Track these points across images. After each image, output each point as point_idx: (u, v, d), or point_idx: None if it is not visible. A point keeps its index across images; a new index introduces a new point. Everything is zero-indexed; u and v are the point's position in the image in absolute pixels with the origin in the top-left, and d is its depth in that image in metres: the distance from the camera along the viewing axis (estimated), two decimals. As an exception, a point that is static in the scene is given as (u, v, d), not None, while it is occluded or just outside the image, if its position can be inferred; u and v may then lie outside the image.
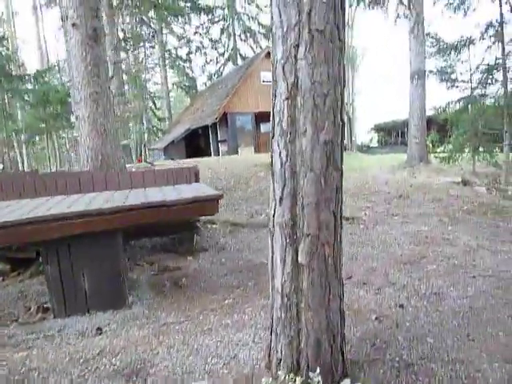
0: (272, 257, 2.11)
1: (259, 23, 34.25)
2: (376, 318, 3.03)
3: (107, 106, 5.04)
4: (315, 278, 1.96)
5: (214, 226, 5.67)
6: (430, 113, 12.10)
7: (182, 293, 3.69)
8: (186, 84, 36.95)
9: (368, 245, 4.69)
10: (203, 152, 24.89)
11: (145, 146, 27.89)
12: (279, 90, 1.94)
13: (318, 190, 1.89)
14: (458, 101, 9.29)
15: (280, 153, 1.96)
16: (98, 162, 4.99)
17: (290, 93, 1.88)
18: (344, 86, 1.93)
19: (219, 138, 21.69)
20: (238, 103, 20.31)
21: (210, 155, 22.99)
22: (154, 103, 28.21)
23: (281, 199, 1.98)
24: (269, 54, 20.62)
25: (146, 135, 27.37)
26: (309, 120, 1.85)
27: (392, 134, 30.29)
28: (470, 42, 7.64)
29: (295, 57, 1.85)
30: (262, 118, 22.41)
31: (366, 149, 32.59)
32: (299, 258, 1.96)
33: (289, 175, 1.93)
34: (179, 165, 9.87)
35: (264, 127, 24.54)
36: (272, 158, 2.04)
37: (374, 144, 33.20)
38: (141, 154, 25.39)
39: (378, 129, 31.94)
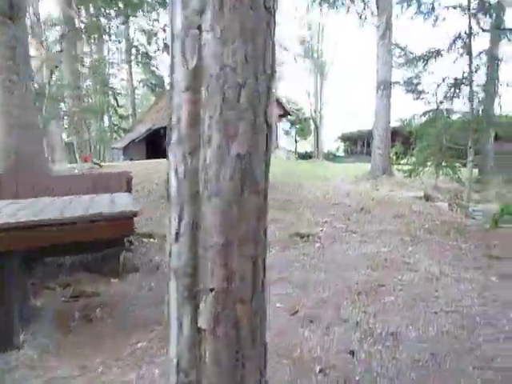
0: (168, 313, 1.50)
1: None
2: (320, 371, 2.48)
3: (26, 97, 4.27)
4: (221, 350, 1.36)
5: (152, 240, 4.99)
6: (395, 124, 11.92)
7: (92, 329, 3.00)
8: (153, 82, 35.84)
9: (321, 269, 4.16)
10: (164, 154, 23.96)
11: (103, 145, 26.63)
12: (177, 77, 1.33)
13: (228, 223, 1.30)
14: (424, 114, 9.05)
15: (176, 168, 1.35)
16: (10, 161, 4.20)
17: (190, 81, 1.28)
18: (273, 75, 1.36)
19: (182, 140, 20.86)
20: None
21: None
22: (116, 100, 26.96)
23: (177, 234, 1.38)
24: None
25: (107, 133, 26.10)
26: (215, 122, 1.26)
27: (358, 144, 30.47)
28: (438, 53, 7.38)
29: (199, 28, 1.26)
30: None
31: (332, 157, 32.65)
32: (199, 322, 1.36)
33: (188, 201, 1.33)
34: (120, 169, 9.09)
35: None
36: (167, 174, 1.43)
37: (341, 153, 33.33)
38: (90, 153, 24.14)
39: (345, 138, 32.09)
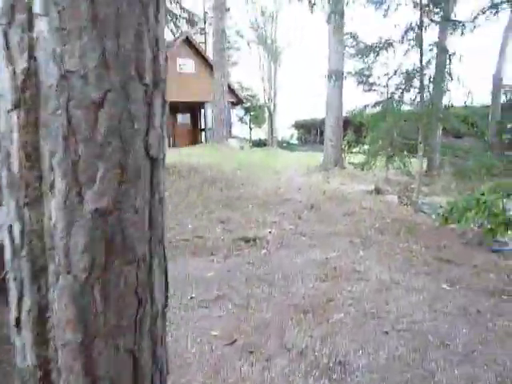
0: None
1: (181, 7, 32.34)
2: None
3: None
4: None
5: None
6: (347, 113, 11.78)
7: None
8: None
9: (266, 282, 3.80)
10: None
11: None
12: (2, 86, 0.85)
13: (86, 313, 0.86)
14: (375, 105, 8.92)
15: (11, 227, 0.88)
16: None
17: (20, 94, 0.81)
18: (157, 85, 0.92)
19: (130, 128, 19.82)
20: (151, 90, 18.63)
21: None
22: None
23: (18, 325, 0.92)
24: (187, 39, 19.22)
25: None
26: (57, 160, 0.80)
27: (311, 132, 30.55)
28: (389, 44, 7.18)
29: (29, 11, 0.78)
30: (177, 108, 20.97)
31: (286, 145, 32.55)
32: None
33: (29, 278, 0.87)
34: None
35: (182, 118, 23.11)
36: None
37: (294, 141, 33.31)
38: None
39: (298, 126, 32.07)
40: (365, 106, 9.26)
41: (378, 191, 8.88)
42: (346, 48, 9.55)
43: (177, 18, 32.90)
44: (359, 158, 10.98)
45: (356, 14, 13.15)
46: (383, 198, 8.22)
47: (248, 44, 30.27)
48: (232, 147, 16.19)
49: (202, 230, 5.34)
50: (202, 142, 22.13)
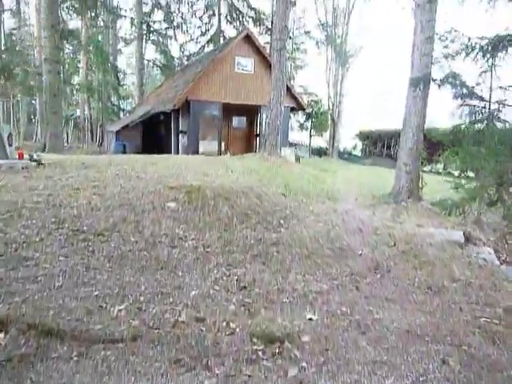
0: None
1: (248, 5, 31.06)
2: None
3: None
4: None
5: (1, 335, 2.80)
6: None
7: None
8: (162, 62, 33.54)
9: None
10: (162, 141, 21.82)
11: (101, 126, 24.55)
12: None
13: None
14: (473, 123, 6.65)
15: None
16: None
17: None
18: None
19: (180, 128, 18.66)
20: (204, 90, 17.31)
21: (170, 146, 20.02)
22: (118, 78, 24.79)
23: None
24: (248, 36, 17.67)
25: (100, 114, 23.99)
26: None
27: (377, 144, 27.81)
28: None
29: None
30: (233, 110, 19.50)
31: (347, 156, 30.10)
32: None
33: None
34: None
35: (237, 121, 21.66)
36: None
37: (357, 152, 30.70)
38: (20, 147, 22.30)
39: (363, 136, 29.44)
40: (457, 127, 7.00)
41: (467, 238, 6.60)
42: (438, 46, 7.34)
43: (243, 17, 31.76)
44: (438, 189, 8.68)
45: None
46: (477, 254, 5.94)
47: (317, 44, 28.16)
48: (285, 159, 14.30)
49: (208, 305, 3.55)
50: (255, 149, 20.53)
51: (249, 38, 17.72)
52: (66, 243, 4.17)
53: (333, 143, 29.38)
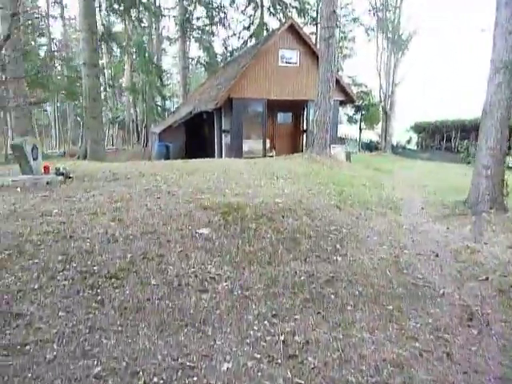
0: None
1: (292, -5, 29.73)
2: None
3: None
4: None
5: None
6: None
7: None
8: (206, 60, 33.07)
9: None
10: (206, 141, 21.21)
11: (146, 127, 24.40)
12: None
13: None
14: None
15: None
16: None
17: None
18: None
19: (223, 127, 17.90)
20: (247, 87, 16.38)
21: (214, 146, 19.35)
22: (161, 79, 24.51)
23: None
24: (292, 27, 16.48)
25: (144, 115, 23.80)
26: None
27: (435, 137, 25.59)
28: None
29: None
30: (278, 105, 18.45)
31: (401, 150, 28.07)
32: None
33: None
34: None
35: (282, 117, 20.59)
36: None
37: (412, 146, 28.53)
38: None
39: (419, 128, 27.24)
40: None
41: None
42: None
43: (287, 8, 30.45)
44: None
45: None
46: None
47: (366, 31, 26.33)
48: (335, 158, 13.06)
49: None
50: (302, 146, 19.36)
51: (293, 29, 16.52)
52: (71, 291, 3.36)
53: (385, 137, 27.49)
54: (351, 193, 7.92)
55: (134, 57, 23.92)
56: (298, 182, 8.02)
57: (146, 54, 22.88)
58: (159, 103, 26.00)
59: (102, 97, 41.08)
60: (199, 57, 34.51)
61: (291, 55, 17.06)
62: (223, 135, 17.90)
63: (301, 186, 7.61)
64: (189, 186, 6.46)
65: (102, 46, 23.79)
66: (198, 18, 31.69)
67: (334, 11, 11.95)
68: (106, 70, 36.20)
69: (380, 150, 28.02)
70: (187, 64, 30.33)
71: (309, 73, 16.81)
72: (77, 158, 14.50)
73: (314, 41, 20.83)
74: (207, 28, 31.45)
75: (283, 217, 5.18)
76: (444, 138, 24.72)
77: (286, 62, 17.05)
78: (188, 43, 36.74)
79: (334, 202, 6.71)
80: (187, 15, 30.27)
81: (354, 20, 29.51)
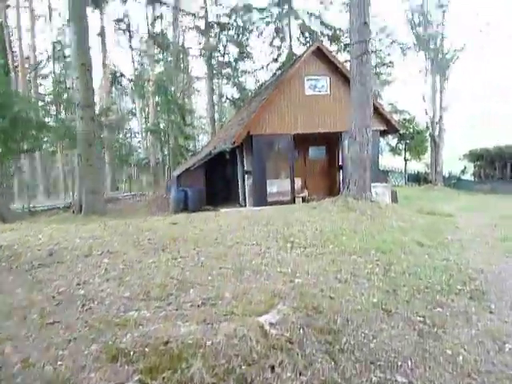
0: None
1: (322, 22, 28.01)
2: None
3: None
4: None
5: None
6: None
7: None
8: (234, 96, 31.75)
9: None
10: (229, 184, 19.09)
11: (169, 170, 22.76)
12: None
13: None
14: None
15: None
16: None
17: None
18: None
19: (245, 168, 15.75)
20: (269, 121, 14.20)
21: (237, 189, 17.19)
22: (183, 117, 23.05)
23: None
24: (319, 50, 14.33)
25: (168, 157, 22.24)
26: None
27: (496, 165, 22.08)
28: None
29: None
30: (308, 139, 16.13)
31: (454, 182, 24.63)
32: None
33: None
34: None
35: (314, 152, 18.19)
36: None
37: (467, 176, 24.99)
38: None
39: (475, 156, 23.77)
40: None
41: None
42: None
43: (317, 36, 28.67)
44: None
45: None
46: None
47: (403, 51, 23.77)
48: (378, 202, 10.30)
49: None
50: (339, 184, 16.73)
51: (320, 52, 14.34)
52: None
53: (435, 167, 24.22)
54: (404, 267, 5.24)
55: (156, 97, 22.74)
56: (323, 253, 5.44)
57: (168, 94, 21.53)
58: (182, 143, 24.47)
59: (137, 141, 40.94)
60: (225, 93, 33.36)
61: (320, 82, 14.82)
62: (246, 177, 15.71)
63: (325, 262, 5.04)
64: (134, 285, 4.05)
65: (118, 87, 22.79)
66: (223, 55, 30.64)
67: (366, 22, 9.65)
68: (138, 114, 35.89)
69: (430, 182, 24.72)
70: (213, 101, 28.94)
71: (341, 101, 14.44)
72: (72, 212, 12.75)
73: (348, 67, 18.62)
74: (234, 64, 30.25)
75: (273, 369, 2.62)
76: (507, 166, 21.18)
77: (314, 91, 14.81)
78: (218, 80, 35.88)
79: (377, 298, 4.06)
80: (213, 52, 29.30)
81: (387, 36, 26.85)
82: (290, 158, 14.82)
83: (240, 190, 16.93)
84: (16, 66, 20.56)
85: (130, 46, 20.05)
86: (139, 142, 34.31)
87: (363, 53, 9.67)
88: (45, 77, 21.37)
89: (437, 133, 24.01)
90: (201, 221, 7.63)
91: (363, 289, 4.27)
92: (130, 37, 23.63)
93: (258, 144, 14.08)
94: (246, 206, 15.75)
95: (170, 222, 7.35)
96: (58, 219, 11.85)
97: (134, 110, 39.55)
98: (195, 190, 17.35)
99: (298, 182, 16.56)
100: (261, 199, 14.36)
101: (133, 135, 41.14)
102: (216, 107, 41.40)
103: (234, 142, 13.65)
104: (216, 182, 18.88)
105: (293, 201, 14.83)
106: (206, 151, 18.79)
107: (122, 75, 20.49)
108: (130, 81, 21.21)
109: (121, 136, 31.78)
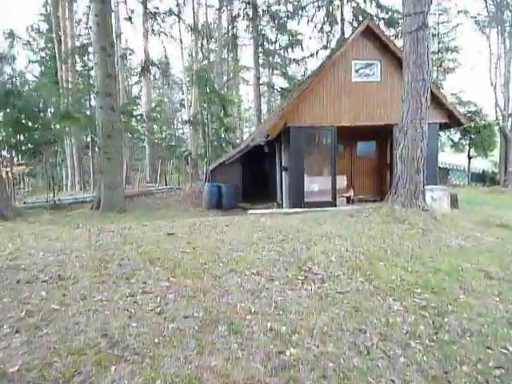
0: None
1: (378, 4, 25.54)
2: None
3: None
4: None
5: None
6: None
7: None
8: (281, 86, 30.19)
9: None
10: (268, 179, 17.72)
11: (208, 163, 21.78)
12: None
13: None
14: None
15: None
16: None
17: None
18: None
19: (283, 164, 14.28)
20: (309, 111, 12.59)
21: (275, 185, 15.83)
22: (224, 108, 21.88)
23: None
24: (369, 29, 12.46)
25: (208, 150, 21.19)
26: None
27: None
28: None
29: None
30: (356, 133, 14.35)
31: (530, 183, 21.45)
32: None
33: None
34: None
35: (363, 147, 16.31)
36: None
37: (545, 177, 21.70)
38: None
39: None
40: None
41: None
42: None
43: (372, 19, 26.21)
44: None
45: None
46: None
47: (480, 27, 20.83)
48: (432, 212, 8.41)
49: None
50: (390, 185, 14.76)
51: (370, 32, 12.43)
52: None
53: (505, 166, 21.24)
54: (463, 321, 3.60)
55: (197, 87, 21.77)
56: (345, 293, 3.91)
57: (208, 83, 20.47)
58: (222, 135, 23.33)
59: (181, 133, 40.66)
60: (273, 83, 31.88)
61: (369, 68, 12.94)
62: (283, 173, 14.25)
63: (344, 310, 3.51)
64: (43, 346, 2.79)
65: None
66: (273, 42, 29.07)
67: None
68: (186, 105, 35.43)
69: (498, 183, 21.75)
70: (259, 91, 27.54)
71: (395, 89, 12.48)
72: (91, 208, 12.02)
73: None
74: (282, 52, 28.63)
75: None
76: None
77: (363, 77, 12.96)
78: (266, 69, 34.48)
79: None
80: (260, 41, 27.85)
81: (459, 12, 23.62)
82: (332, 154, 13.13)
83: (278, 188, 15.51)
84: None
85: (166, 33, 19.26)
86: (183, 133, 33.85)
87: (420, 27, 7.81)
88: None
89: (509, 127, 20.97)
90: (204, 231, 6.33)
91: (396, 370, 2.74)
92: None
93: (295, 137, 12.55)
94: (282, 204, 14.33)
95: (166, 232, 6.12)
96: (72, 215, 11.15)
97: (183, 102, 39.29)
98: (230, 186, 16.18)
99: (343, 181, 14.83)
100: (298, 199, 12.86)
101: (179, 127, 40.97)
102: (265, 98, 40.12)
103: (268, 135, 12.22)
104: (254, 177, 17.61)
105: (334, 201, 13.19)
106: (245, 144, 17.53)
107: (153, 63, 19.69)
108: (160, 69, 20.41)
109: (164, 128, 31.39)
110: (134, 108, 21.27)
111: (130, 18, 19.83)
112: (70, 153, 21.59)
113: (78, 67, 21.73)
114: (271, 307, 3.41)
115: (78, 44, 21.06)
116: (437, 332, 3.33)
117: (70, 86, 18.29)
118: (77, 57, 19.13)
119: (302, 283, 4.03)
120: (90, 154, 18.40)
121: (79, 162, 21.26)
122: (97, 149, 12.80)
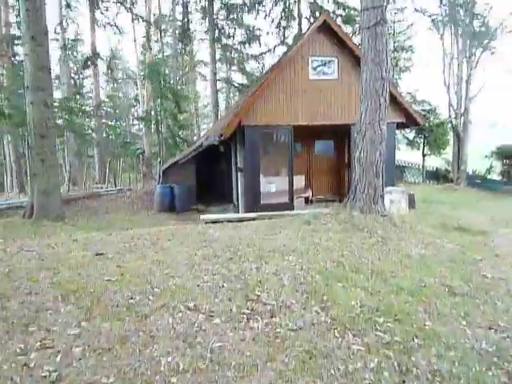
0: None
1: (336, 1, 25.37)
2: None
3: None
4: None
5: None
6: None
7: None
8: (240, 82, 29.49)
9: None
10: (223, 179, 17.02)
11: (161, 163, 20.69)
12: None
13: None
14: None
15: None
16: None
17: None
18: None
19: (238, 164, 13.62)
20: (265, 110, 11.98)
21: (231, 186, 15.16)
22: (178, 105, 20.84)
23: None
24: (326, 24, 12.01)
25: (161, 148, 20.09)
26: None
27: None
28: None
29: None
30: (313, 132, 13.94)
31: (479, 182, 22.10)
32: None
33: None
34: None
35: (321, 147, 15.96)
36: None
37: (493, 176, 22.43)
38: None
39: (504, 154, 21.17)
40: None
41: None
42: None
43: (328, 15, 26.04)
44: None
45: None
46: None
47: (435, 24, 20.94)
48: (391, 216, 8.04)
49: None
50: (348, 185, 14.48)
51: (327, 27, 11.99)
52: None
53: (458, 165, 21.71)
54: (432, 359, 3.10)
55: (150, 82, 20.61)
56: (297, 331, 3.29)
57: (160, 78, 19.39)
58: (176, 133, 22.27)
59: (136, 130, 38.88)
60: (231, 79, 31.12)
61: (327, 65, 12.52)
62: (239, 174, 13.59)
63: (291, 360, 2.88)
64: None
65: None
66: (230, 36, 28.22)
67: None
68: (140, 100, 33.84)
69: (451, 181, 22.23)
70: (216, 87, 26.67)
71: (352, 88, 12.14)
72: (23, 216, 10.81)
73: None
74: (239, 47, 27.88)
75: None
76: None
77: (320, 75, 12.52)
78: (224, 65, 33.62)
79: None
80: (217, 35, 26.94)
81: (416, 11, 23.63)
82: (289, 154, 12.61)
83: (234, 189, 14.84)
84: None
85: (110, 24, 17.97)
86: (140, 130, 32.38)
87: (378, 21, 7.37)
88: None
89: (461, 126, 21.44)
90: (142, 248, 5.54)
91: None
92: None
93: (251, 136, 11.91)
94: (239, 206, 13.67)
95: (95, 252, 5.26)
96: (-1, 224, 9.90)
97: (137, 97, 37.56)
98: (183, 187, 15.32)
99: (301, 181, 14.39)
100: (253, 201, 12.27)
101: (135, 123, 39.24)
102: (224, 94, 39.17)
103: (222, 135, 11.50)
104: (210, 177, 16.86)
105: (291, 202, 12.71)
106: (199, 143, 16.69)
107: (98, 56, 18.38)
108: (106, 62, 19.18)
109: (118, 124, 29.79)
110: (82, 104, 19.80)
111: (68, 5, 18.34)
112: (8, 153, 19.82)
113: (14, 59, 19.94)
114: (205, 360, 2.73)
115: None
116: (404, 381, 2.79)
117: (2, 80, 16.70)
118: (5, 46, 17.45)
119: (248, 319, 3.38)
120: (28, 153, 16.84)
121: (17, 163, 19.54)
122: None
